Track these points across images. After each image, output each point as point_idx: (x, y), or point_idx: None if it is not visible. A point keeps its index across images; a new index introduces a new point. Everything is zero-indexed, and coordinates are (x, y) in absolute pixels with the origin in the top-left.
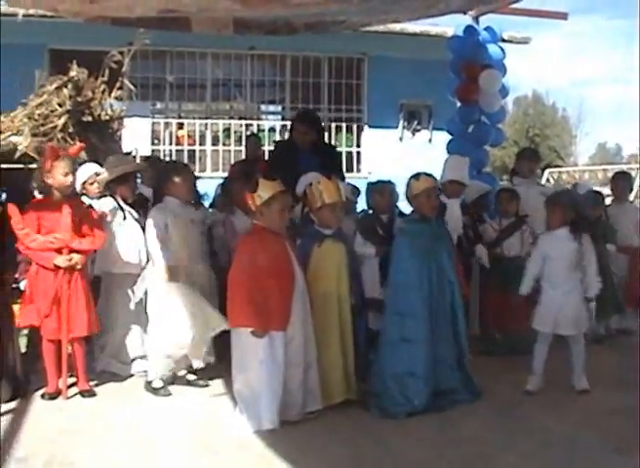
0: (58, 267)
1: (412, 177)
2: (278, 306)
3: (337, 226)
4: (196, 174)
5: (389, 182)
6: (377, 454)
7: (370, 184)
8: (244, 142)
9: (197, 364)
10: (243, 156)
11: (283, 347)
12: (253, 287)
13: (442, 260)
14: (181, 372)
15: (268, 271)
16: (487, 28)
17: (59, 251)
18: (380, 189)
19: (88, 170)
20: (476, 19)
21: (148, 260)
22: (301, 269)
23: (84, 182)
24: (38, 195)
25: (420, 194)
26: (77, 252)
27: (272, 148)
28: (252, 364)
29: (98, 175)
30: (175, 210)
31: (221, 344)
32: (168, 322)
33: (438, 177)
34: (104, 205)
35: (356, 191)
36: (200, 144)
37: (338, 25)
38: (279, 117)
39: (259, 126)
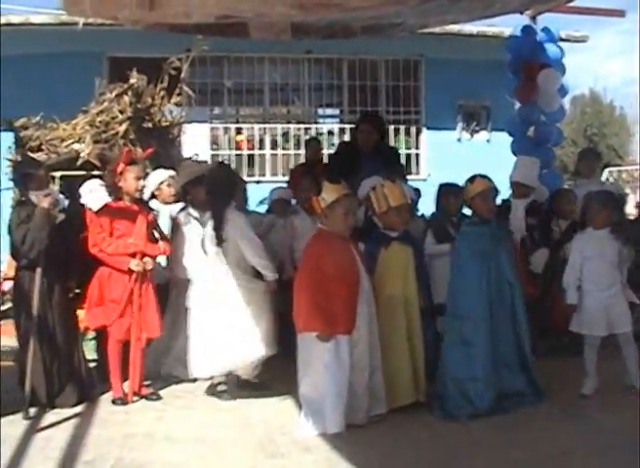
0: (131, 271)
1: (467, 180)
2: (343, 310)
3: (403, 229)
4: (256, 178)
5: (458, 185)
6: (442, 458)
7: (442, 186)
8: (303, 146)
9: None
10: (302, 160)
11: (348, 351)
12: (318, 291)
13: (501, 262)
14: (246, 376)
15: (334, 275)
16: (544, 28)
17: (132, 255)
18: (451, 191)
19: (161, 174)
20: (533, 18)
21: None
22: (367, 272)
23: (158, 186)
24: (107, 198)
25: (476, 196)
26: (149, 256)
27: (334, 151)
28: (317, 367)
29: (172, 178)
30: (234, 215)
31: (287, 347)
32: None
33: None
34: (175, 209)
35: (417, 193)
36: (259, 149)
37: (394, 28)
38: (337, 120)
39: (317, 129)
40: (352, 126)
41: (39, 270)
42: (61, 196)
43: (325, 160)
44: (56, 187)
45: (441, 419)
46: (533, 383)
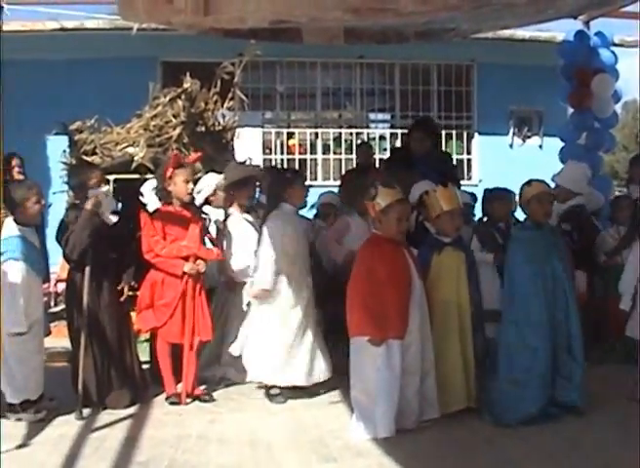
0: (184, 274)
1: (524, 184)
2: (396, 314)
3: (455, 234)
4: (308, 183)
5: (506, 190)
6: (494, 464)
7: (487, 191)
8: (354, 151)
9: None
10: (353, 164)
11: (400, 355)
12: (371, 295)
13: (556, 267)
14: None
15: (386, 279)
16: (598, 33)
17: (185, 258)
18: (498, 197)
19: (214, 179)
20: (587, 23)
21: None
22: (420, 277)
23: (214, 191)
24: (158, 202)
25: (532, 199)
26: (202, 259)
27: (388, 156)
28: (369, 372)
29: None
30: (289, 217)
31: (338, 352)
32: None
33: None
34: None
35: (473, 199)
36: (311, 153)
37: (447, 33)
38: (388, 125)
39: (368, 134)
40: (404, 131)
41: (89, 272)
42: (113, 199)
43: (377, 165)
44: (106, 189)
45: (492, 425)
46: (584, 390)
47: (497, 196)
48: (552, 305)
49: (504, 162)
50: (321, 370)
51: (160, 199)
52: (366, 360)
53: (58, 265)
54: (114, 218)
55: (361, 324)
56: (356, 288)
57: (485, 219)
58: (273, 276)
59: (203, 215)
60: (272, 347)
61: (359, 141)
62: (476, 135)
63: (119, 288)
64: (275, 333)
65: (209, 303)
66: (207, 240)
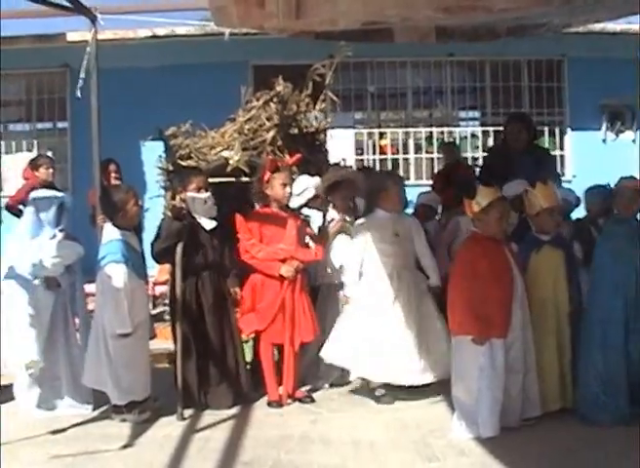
0: (282, 276)
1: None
2: (498, 313)
3: (554, 231)
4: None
5: (605, 186)
6: (596, 464)
7: (587, 189)
8: (440, 150)
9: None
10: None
11: (503, 354)
12: (473, 294)
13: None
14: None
15: (488, 278)
16: None
17: (282, 260)
18: (595, 193)
19: (308, 181)
20: None
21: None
22: (521, 275)
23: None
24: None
25: (617, 194)
26: (300, 261)
27: (486, 154)
28: (472, 371)
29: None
30: (384, 223)
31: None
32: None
33: None
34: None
35: (574, 196)
36: (403, 153)
37: (539, 28)
38: (479, 123)
39: (459, 132)
40: (496, 128)
41: (180, 274)
42: (213, 206)
43: (464, 163)
44: (206, 195)
45: (588, 425)
46: None
47: (595, 192)
48: (636, 303)
49: (598, 157)
50: (426, 370)
51: (257, 202)
52: (468, 359)
53: (155, 268)
54: (212, 224)
55: (464, 323)
56: (458, 286)
57: (585, 216)
58: (357, 280)
59: (303, 217)
60: (374, 345)
61: (450, 140)
62: (569, 130)
63: (223, 289)
64: (376, 332)
65: (312, 303)
66: (309, 241)
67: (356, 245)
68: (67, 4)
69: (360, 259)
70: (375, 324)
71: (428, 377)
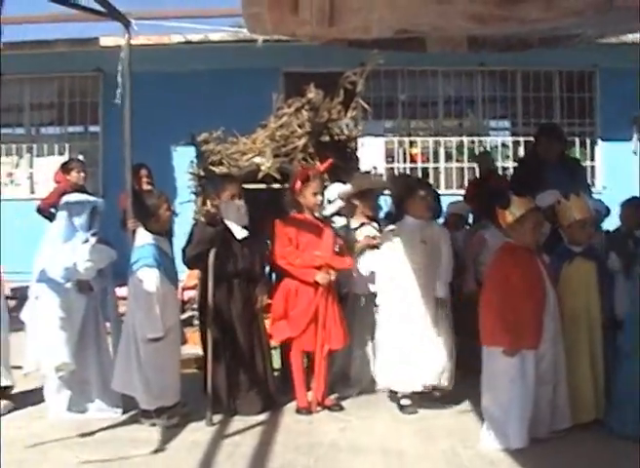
0: (317, 283)
1: None
2: (530, 324)
3: (586, 243)
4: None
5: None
6: None
7: (625, 201)
8: (474, 159)
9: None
10: (475, 173)
11: (534, 365)
12: (505, 305)
13: None
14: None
15: (521, 289)
16: None
17: (317, 267)
18: (631, 204)
19: (340, 189)
20: None
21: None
22: (553, 286)
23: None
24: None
25: None
26: (335, 269)
27: (517, 165)
28: (502, 382)
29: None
30: (411, 229)
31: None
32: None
33: None
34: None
35: (603, 206)
36: (433, 162)
37: (572, 39)
38: (510, 133)
39: (490, 142)
40: (526, 138)
41: (224, 280)
42: (246, 214)
43: (498, 172)
44: (239, 203)
45: (620, 437)
46: None
47: (631, 204)
48: None
49: (628, 168)
50: (450, 378)
51: (290, 209)
52: (499, 370)
53: (184, 273)
54: (244, 233)
55: (495, 334)
56: (490, 297)
57: (620, 228)
58: (386, 288)
59: (334, 225)
60: (399, 354)
61: (481, 149)
62: (599, 141)
63: (253, 295)
64: (402, 341)
65: (342, 311)
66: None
67: (385, 252)
68: (102, 9)
69: (390, 266)
70: (402, 332)
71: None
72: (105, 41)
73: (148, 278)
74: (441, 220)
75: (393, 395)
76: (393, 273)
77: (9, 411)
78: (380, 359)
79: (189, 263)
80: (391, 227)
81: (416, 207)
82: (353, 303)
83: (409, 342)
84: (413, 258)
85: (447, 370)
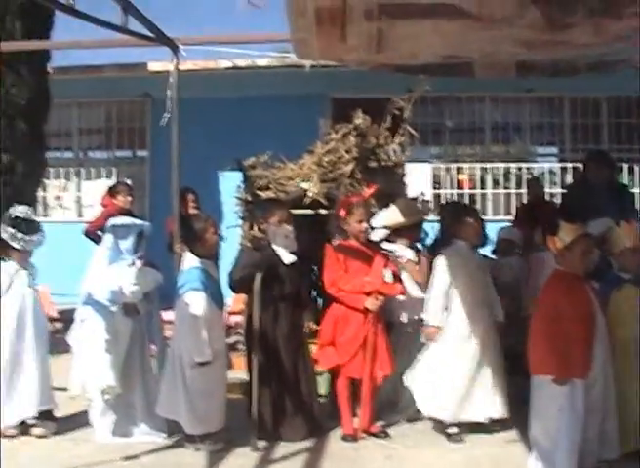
0: (366, 310)
1: None
2: (580, 353)
3: (636, 270)
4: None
5: None
6: None
7: None
8: (523, 185)
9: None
10: (523, 199)
11: (583, 395)
12: (556, 333)
13: None
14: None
15: (572, 317)
16: None
17: (367, 294)
18: None
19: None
20: None
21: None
22: (603, 313)
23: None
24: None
25: None
26: (384, 295)
27: (566, 191)
28: (551, 411)
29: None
30: (464, 254)
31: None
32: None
33: None
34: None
35: None
36: (480, 188)
37: (619, 64)
38: (557, 159)
39: (537, 168)
40: (574, 165)
41: (259, 305)
42: (294, 240)
43: (547, 199)
44: (288, 229)
45: None
46: None
47: None
48: None
49: None
50: (499, 407)
51: (336, 235)
52: (548, 399)
53: (231, 298)
54: (291, 258)
55: (544, 362)
56: (540, 325)
57: None
58: (442, 313)
59: (386, 252)
60: (447, 383)
61: (528, 176)
62: None
63: (300, 321)
64: (449, 369)
65: (389, 338)
66: (389, 275)
67: (441, 276)
68: (150, 34)
69: (445, 292)
70: (451, 359)
71: (498, 413)
72: (154, 66)
73: (195, 301)
74: (488, 247)
75: (437, 425)
76: (449, 298)
77: (53, 434)
78: (428, 387)
79: (235, 287)
80: (446, 251)
81: (467, 231)
82: (400, 330)
83: (462, 371)
84: (467, 282)
85: (501, 399)
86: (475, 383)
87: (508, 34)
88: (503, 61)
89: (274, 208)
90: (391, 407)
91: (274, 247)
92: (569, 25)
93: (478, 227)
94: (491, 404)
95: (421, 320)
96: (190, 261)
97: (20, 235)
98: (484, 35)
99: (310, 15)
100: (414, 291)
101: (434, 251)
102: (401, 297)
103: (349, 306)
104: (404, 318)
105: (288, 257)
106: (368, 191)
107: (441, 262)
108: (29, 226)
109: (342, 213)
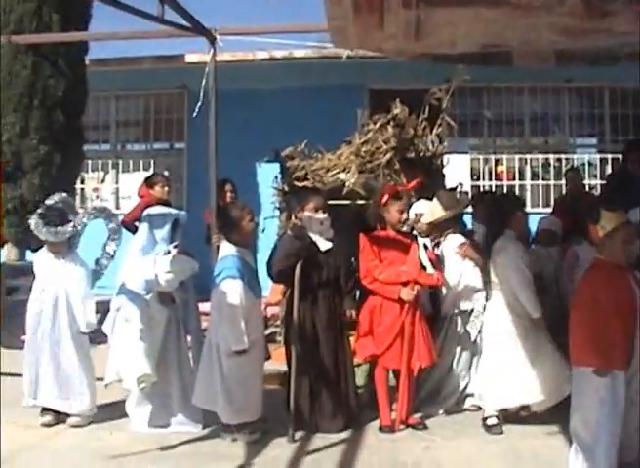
0: (402, 300)
1: None
2: (621, 344)
3: None
4: None
5: None
6: None
7: None
8: (562, 177)
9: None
10: (561, 190)
11: (624, 387)
12: (596, 324)
13: None
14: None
15: (612, 307)
16: None
17: (403, 283)
18: None
19: (426, 206)
20: None
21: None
22: None
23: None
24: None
25: None
26: (421, 285)
27: (606, 181)
28: (591, 403)
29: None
30: (517, 243)
31: None
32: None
33: None
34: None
35: None
36: (519, 179)
37: None
38: (596, 150)
39: (577, 160)
40: (614, 156)
41: (310, 295)
42: (330, 228)
43: (586, 191)
44: (322, 216)
45: None
46: None
47: None
48: None
49: None
50: (555, 392)
51: (374, 224)
52: (589, 391)
53: (267, 289)
54: (328, 244)
55: (585, 353)
56: (581, 316)
57: None
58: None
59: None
60: (505, 372)
61: (568, 168)
62: None
63: (338, 311)
64: (502, 358)
65: (430, 329)
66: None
67: (519, 266)
68: (188, 24)
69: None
70: (509, 349)
71: (543, 398)
72: (191, 58)
73: (232, 289)
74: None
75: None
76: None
77: (89, 423)
78: (485, 377)
79: (276, 277)
80: (501, 242)
81: (517, 223)
82: (446, 321)
83: (516, 359)
84: (524, 271)
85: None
86: (530, 372)
87: (547, 22)
88: (542, 50)
89: (310, 195)
90: (433, 398)
91: (311, 234)
92: (608, 13)
93: (524, 218)
94: (536, 390)
95: (472, 311)
96: (227, 249)
97: (43, 226)
98: (523, 23)
99: (347, 2)
100: (471, 281)
101: (485, 241)
102: (460, 287)
103: (384, 297)
104: (449, 309)
105: (324, 244)
106: (411, 183)
107: (509, 251)
108: (61, 217)
109: (385, 199)
